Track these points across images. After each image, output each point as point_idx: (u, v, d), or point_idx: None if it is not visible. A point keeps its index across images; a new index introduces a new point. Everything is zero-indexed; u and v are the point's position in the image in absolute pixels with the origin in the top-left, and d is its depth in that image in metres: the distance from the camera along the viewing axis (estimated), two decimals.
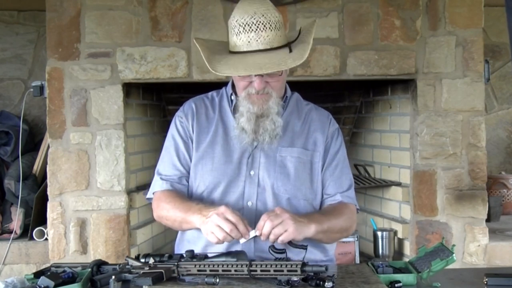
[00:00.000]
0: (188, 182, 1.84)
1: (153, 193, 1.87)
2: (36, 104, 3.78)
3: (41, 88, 3.00)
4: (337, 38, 2.95)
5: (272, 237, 1.57)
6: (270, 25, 1.64)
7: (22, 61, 3.87)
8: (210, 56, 1.70)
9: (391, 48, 2.97)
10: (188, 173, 1.84)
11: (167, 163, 1.86)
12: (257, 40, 1.64)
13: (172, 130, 1.89)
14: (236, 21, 1.65)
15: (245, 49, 1.65)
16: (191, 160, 1.83)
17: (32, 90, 3.04)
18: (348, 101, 3.68)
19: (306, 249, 1.59)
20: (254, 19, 1.63)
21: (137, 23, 2.90)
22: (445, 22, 3.00)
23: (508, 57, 4.10)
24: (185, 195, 1.82)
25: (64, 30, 2.90)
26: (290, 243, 1.60)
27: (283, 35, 1.69)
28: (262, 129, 1.72)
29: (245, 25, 1.63)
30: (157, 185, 1.86)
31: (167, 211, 1.77)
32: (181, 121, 1.86)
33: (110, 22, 2.90)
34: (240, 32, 1.65)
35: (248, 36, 1.64)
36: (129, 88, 3.02)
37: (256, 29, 1.63)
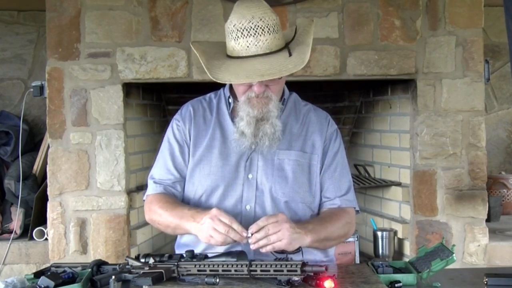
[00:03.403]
0: (181, 188, 1.84)
1: (146, 196, 1.87)
2: (36, 104, 3.78)
3: (41, 88, 3.00)
4: (337, 38, 2.95)
5: (263, 241, 1.56)
6: (269, 29, 1.63)
7: (22, 61, 3.87)
8: (209, 62, 1.68)
9: (391, 48, 2.97)
10: (182, 178, 1.83)
11: (161, 167, 1.86)
12: (256, 45, 1.62)
13: (168, 133, 1.88)
14: (234, 25, 1.64)
15: (244, 54, 1.64)
16: (186, 165, 1.82)
17: (32, 90, 3.04)
18: (348, 101, 3.68)
19: (300, 251, 1.59)
20: (252, 23, 1.61)
21: (137, 23, 2.90)
22: (445, 22, 3.00)
23: (508, 57, 4.10)
24: (178, 199, 1.82)
25: (64, 30, 2.90)
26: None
27: (281, 37, 1.68)
28: (262, 133, 1.71)
29: (243, 30, 1.62)
30: (150, 189, 1.86)
31: (160, 216, 1.77)
32: (178, 125, 1.85)
33: (110, 22, 2.90)
34: (238, 37, 1.63)
35: (247, 41, 1.62)
36: (129, 88, 3.02)
37: (255, 34, 1.61)
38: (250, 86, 1.70)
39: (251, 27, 1.61)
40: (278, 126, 1.72)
